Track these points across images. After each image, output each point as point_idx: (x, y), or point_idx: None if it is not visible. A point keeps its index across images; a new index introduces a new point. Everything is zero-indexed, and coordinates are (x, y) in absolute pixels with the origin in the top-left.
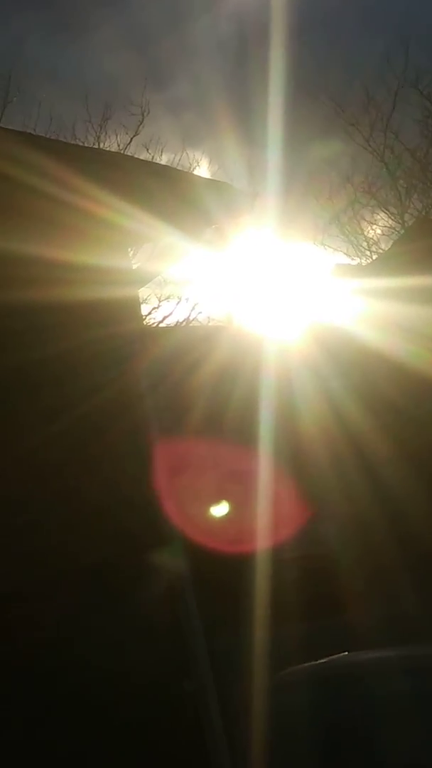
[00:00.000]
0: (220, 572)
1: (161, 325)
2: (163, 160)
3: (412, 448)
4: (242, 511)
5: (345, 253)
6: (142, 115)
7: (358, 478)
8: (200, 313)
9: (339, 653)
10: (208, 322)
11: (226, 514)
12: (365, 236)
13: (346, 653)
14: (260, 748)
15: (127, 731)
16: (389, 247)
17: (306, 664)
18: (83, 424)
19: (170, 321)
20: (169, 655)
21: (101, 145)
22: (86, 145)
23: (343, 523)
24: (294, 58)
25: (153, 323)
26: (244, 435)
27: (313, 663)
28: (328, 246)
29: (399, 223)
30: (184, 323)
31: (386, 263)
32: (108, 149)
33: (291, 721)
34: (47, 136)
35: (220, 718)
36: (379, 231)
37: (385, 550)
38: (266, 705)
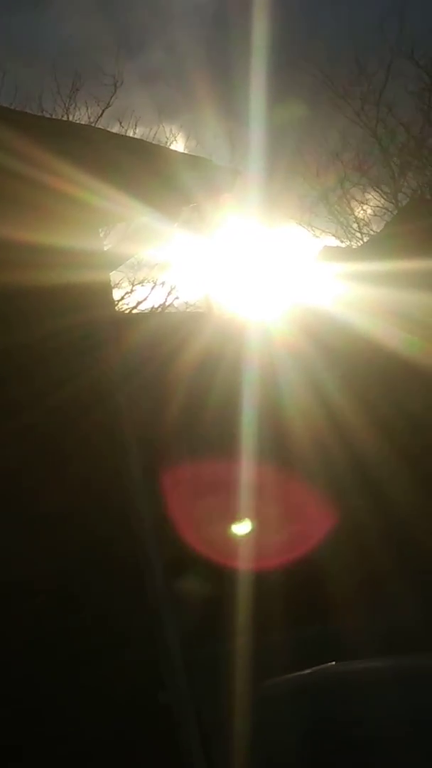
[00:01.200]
0: (200, 576)
1: (135, 311)
2: (138, 134)
3: (404, 441)
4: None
5: (333, 235)
6: (115, 85)
7: (350, 477)
8: (177, 298)
9: (325, 663)
10: (186, 308)
11: (209, 520)
12: (355, 217)
13: (333, 663)
14: (240, 765)
15: (97, 746)
16: (381, 228)
17: (290, 675)
18: (52, 418)
19: (145, 307)
20: (142, 666)
21: (70, 118)
22: (54, 117)
23: (334, 524)
24: (279, 25)
25: (126, 309)
26: (224, 428)
27: (297, 673)
28: (316, 227)
29: (392, 203)
30: (160, 309)
31: (378, 246)
32: (78, 122)
33: (273, 735)
34: (11, 108)
35: (198, 733)
36: (370, 211)
37: (375, 551)
38: (247, 718)
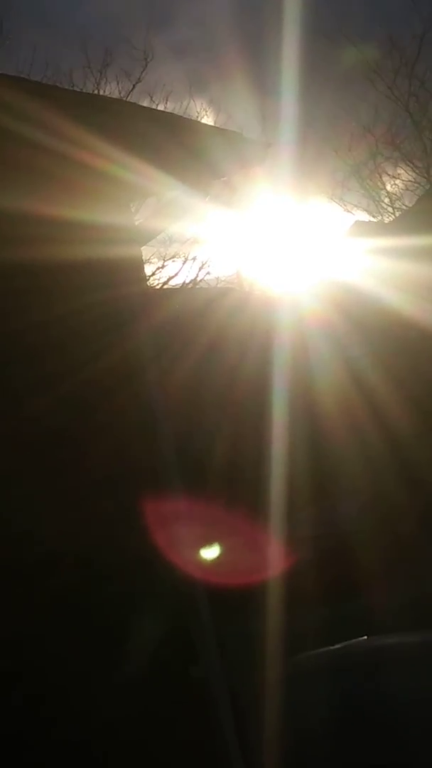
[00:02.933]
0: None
1: (166, 286)
2: (168, 108)
3: None
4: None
5: (365, 210)
6: (145, 60)
7: (381, 452)
8: (208, 273)
9: (357, 638)
10: (217, 283)
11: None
12: (387, 191)
13: (365, 638)
14: (273, 739)
15: (127, 720)
16: (413, 203)
17: (322, 650)
18: (84, 393)
19: (176, 282)
20: (174, 640)
21: (101, 93)
22: (84, 91)
23: (364, 500)
24: None
25: (157, 284)
26: (256, 404)
27: (329, 648)
28: (347, 202)
29: (424, 177)
30: (191, 284)
31: (410, 220)
32: (109, 96)
33: (304, 710)
34: (42, 82)
35: (230, 707)
36: (402, 186)
37: (409, 528)
38: (279, 693)
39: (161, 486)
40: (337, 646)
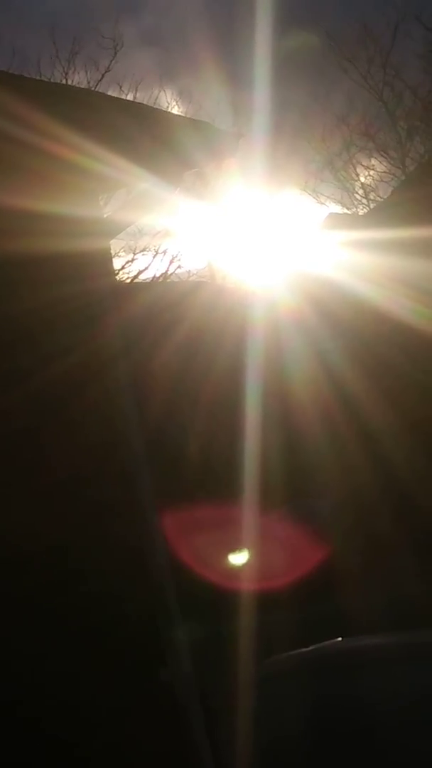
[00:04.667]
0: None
1: (137, 280)
2: (138, 98)
3: (413, 414)
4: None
5: (339, 202)
6: (115, 48)
7: (355, 448)
8: (179, 267)
9: (331, 639)
10: (189, 276)
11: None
12: (361, 183)
13: (339, 639)
14: (244, 743)
15: (97, 723)
16: (388, 194)
17: (295, 651)
18: (50, 390)
19: (146, 276)
20: (144, 643)
21: (69, 82)
22: (53, 81)
23: (338, 498)
24: None
25: (127, 278)
26: (229, 398)
27: (302, 650)
28: (321, 194)
29: (399, 168)
30: (162, 278)
31: (385, 212)
32: (77, 86)
33: (277, 713)
34: (8, 71)
35: (200, 710)
36: (376, 177)
37: (385, 527)
38: (250, 696)
39: (135, 482)
40: (311, 647)
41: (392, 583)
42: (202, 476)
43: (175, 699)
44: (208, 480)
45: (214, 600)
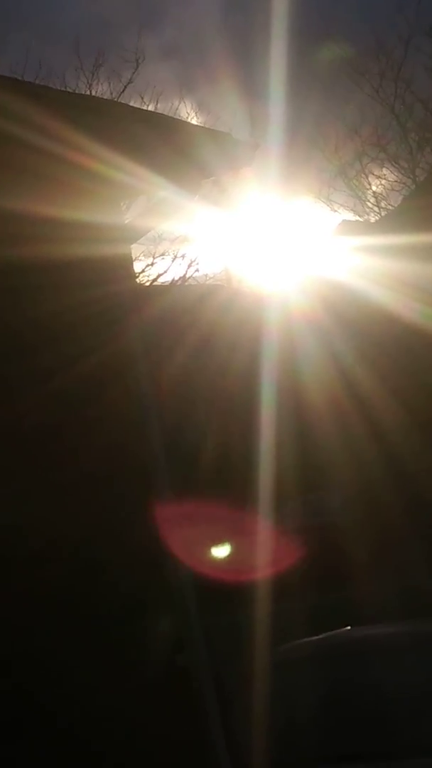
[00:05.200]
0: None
1: (156, 283)
2: (159, 109)
3: (422, 413)
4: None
5: (351, 210)
6: (137, 61)
7: (366, 445)
8: (197, 271)
9: (342, 628)
10: (206, 280)
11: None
12: (373, 191)
13: (350, 628)
14: (258, 727)
15: (115, 708)
16: (399, 202)
17: (306, 639)
18: (76, 388)
19: (165, 279)
20: (161, 630)
21: (93, 93)
22: (77, 92)
23: (349, 492)
24: (300, 1)
25: (147, 281)
26: (245, 400)
27: (314, 638)
28: (334, 201)
29: (410, 177)
30: (181, 282)
31: (396, 220)
32: (100, 96)
33: (290, 699)
34: (35, 83)
35: (215, 696)
36: (388, 186)
37: (394, 520)
38: (265, 682)
39: (153, 479)
40: (322, 635)
41: (401, 575)
42: (219, 472)
43: (192, 685)
44: (224, 475)
45: (229, 590)
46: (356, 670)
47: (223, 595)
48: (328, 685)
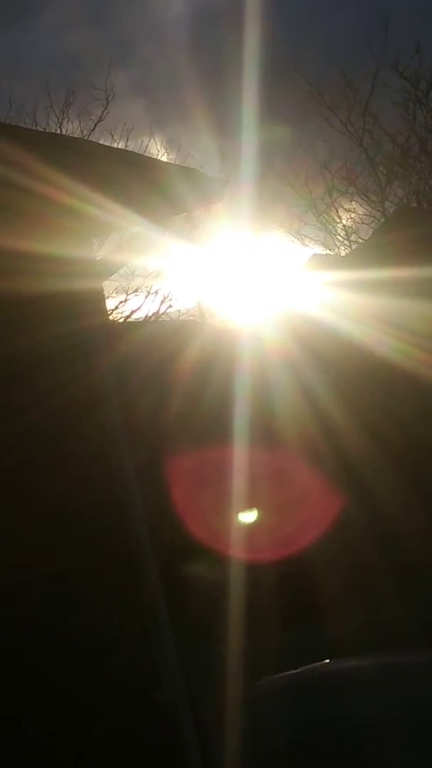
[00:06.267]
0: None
1: (129, 319)
2: (130, 146)
3: (394, 447)
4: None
5: (321, 244)
6: (107, 99)
7: (335, 475)
8: (170, 306)
9: (318, 662)
10: (179, 315)
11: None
12: (343, 225)
13: (326, 662)
14: (234, 762)
15: (93, 744)
16: (369, 236)
17: (283, 674)
18: (45, 425)
19: (139, 315)
20: (139, 666)
21: (64, 131)
22: (48, 131)
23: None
24: (268, 38)
25: (120, 317)
26: (217, 433)
27: (290, 672)
28: (305, 236)
29: (379, 210)
30: (154, 317)
31: (366, 253)
32: (72, 136)
33: (266, 733)
34: (5, 122)
35: (194, 731)
36: (357, 219)
37: (366, 554)
38: (241, 717)
39: (125, 514)
40: (298, 669)
41: (372, 609)
42: (192, 505)
43: (170, 721)
44: (198, 507)
45: (206, 621)
46: (329, 703)
47: (200, 626)
48: (302, 719)
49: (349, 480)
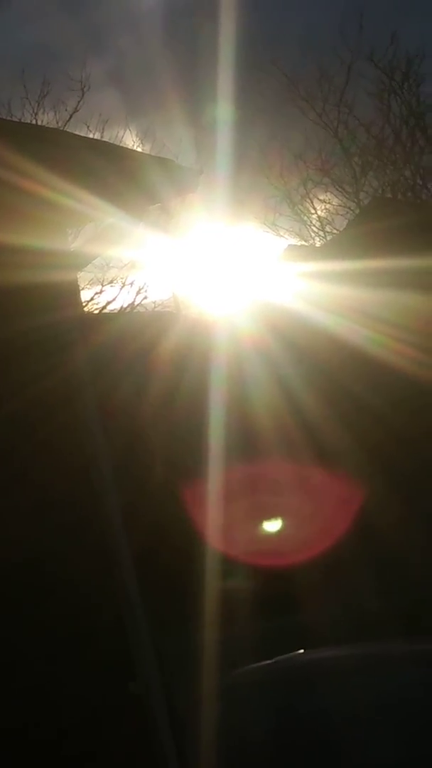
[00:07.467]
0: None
1: (104, 310)
2: (106, 137)
3: (369, 437)
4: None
5: (297, 234)
6: (82, 90)
7: (310, 467)
8: (145, 297)
9: (294, 652)
10: (154, 307)
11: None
12: (318, 216)
13: (302, 651)
14: (210, 753)
15: (67, 736)
16: (344, 227)
17: (258, 664)
18: (21, 416)
19: (114, 306)
20: (114, 655)
21: (39, 122)
22: (22, 121)
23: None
24: (243, 29)
25: (95, 309)
26: (193, 424)
27: (265, 662)
28: (279, 227)
29: (354, 201)
30: (129, 309)
31: (340, 244)
32: (46, 126)
33: (241, 723)
34: None
35: (168, 722)
36: (332, 210)
37: (343, 543)
38: (216, 708)
39: (102, 503)
40: (273, 660)
41: (349, 599)
42: (168, 495)
43: (145, 711)
44: (174, 497)
45: (181, 613)
46: (305, 693)
47: (177, 617)
48: (278, 709)
49: (326, 469)
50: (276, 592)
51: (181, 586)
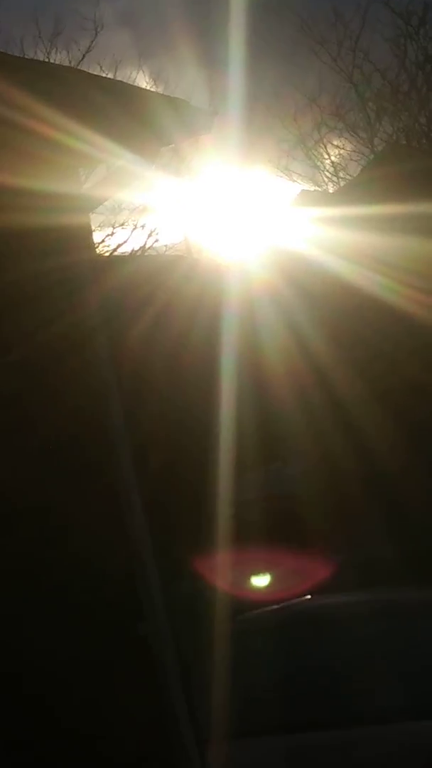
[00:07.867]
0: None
1: (115, 253)
2: (118, 78)
3: (381, 383)
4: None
5: (310, 180)
6: (95, 30)
7: (324, 415)
8: (156, 241)
9: (301, 597)
10: (165, 250)
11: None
12: (332, 161)
13: (309, 597)
14: (218, 696)
15: (75, 675)
16: (358, 173)
17: (267, 608)
18: (33, 360)
19: (125, 249)
20: (121, 598)
21: (52, 62)
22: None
23: (309, 463)
24: None
25: (106, 251)
26: (205, 370)
27: (274, 607)
28: (293, 171)
29: (368, 147)
30: (140, 252)
31: (354, 190)
32: (57, 63)
33: (250, 668)
34: None
35: (176, 665)
36: (346, 156)
37: (353, 491)
38: (224, 651)
39: (113, 449)
40: (281, 605)
41: (358, 545)
42: (179, 442)
43: (152, 653)
44: (185, 445)
45: (190, 557)
46: (315, 638)
47: (185, 562)
48: (287, 654)
49: (337, 418)
50: (286, 536)
51: (195, 527)
